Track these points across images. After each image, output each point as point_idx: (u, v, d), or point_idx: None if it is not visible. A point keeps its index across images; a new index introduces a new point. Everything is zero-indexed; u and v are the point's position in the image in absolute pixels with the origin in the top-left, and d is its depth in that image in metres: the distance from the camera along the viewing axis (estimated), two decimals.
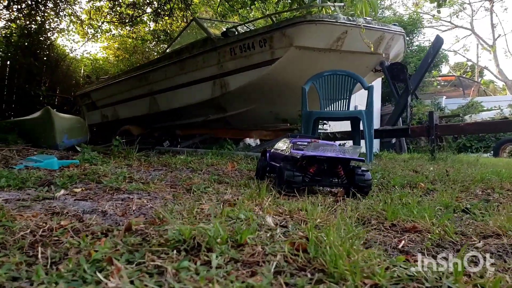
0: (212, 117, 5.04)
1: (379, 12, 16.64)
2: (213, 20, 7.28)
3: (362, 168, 1.79)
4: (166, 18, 9.24)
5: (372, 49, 3.96)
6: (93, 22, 10.25)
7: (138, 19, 9.51)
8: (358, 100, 6.79)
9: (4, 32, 7.77)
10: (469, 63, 23.92)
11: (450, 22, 22.91)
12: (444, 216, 1.31)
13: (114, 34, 11.09)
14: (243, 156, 3.63)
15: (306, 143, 1.94)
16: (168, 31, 9.77)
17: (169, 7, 8.56)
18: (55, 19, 8.98)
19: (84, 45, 11.95)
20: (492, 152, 8.27)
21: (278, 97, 4.64)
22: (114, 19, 9.83)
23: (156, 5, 8.97)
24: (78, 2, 9.70)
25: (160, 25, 9.63)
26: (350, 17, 3.91)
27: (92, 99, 7.19)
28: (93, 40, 11.12)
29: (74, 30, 10.53)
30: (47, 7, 8.35)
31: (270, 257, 0.82)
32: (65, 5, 9.01)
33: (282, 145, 2.12)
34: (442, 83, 15.68)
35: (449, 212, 1.45)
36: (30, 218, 1.09)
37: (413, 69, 9.79)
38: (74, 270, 0.71)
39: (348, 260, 0.78)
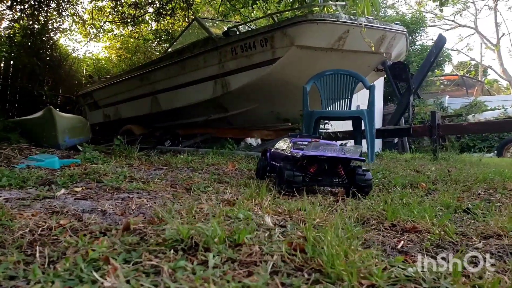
0: (213, 117, 5.04)
1: (382, 11, 16.59)
2: (214, 19, 7.28)
3: (363, 168, 1.78)
4: (168, 17, 9.25)
5: (373, 48, 3.94)
6: (95, 22, 10.29)
7: (140, 19, 9.53)
8: (360, 99, 6.78)
9: (7, 32, 7.82)
10: (473, 62, 23.84)
11: (453, 21, 22.84)
12: (444, 216, 1.30)
13: (116, 34, 11.13)
14: (243, 156, 3.63)
15: (306, 143, 1.94)
16: (170, 31, 9.78)
17: (170, 6, 8.58)
18: (58, 19, 9.02)
19: (86, 45, 11.97)
20: (495, 152, 8.23)
21: (279, 96, 4.63)
22: (116, 19, 9.86)
23: (158, 5, 8.99)
24: (81, 2, 9.75)
25: (162, 24, 9.64)
26: (351, 16, 3.90)
27: (94, 99, 7.22)
28: (95, 40, 11.16)
29: (76, 30, 10.57)
30: (50, 7, 8.38)
31: (267, 257, 0.82)
32: (68, 5, 9.05)
33: (283, 145, 2.12)
34: (445, 83, 15.62)
35: (450, 212, 1.44)
36: (29, 217, 1.09)
37: (416, 69, 9.76)
38: (71, 269, 0.71)
39: (345, 260, 0.78)
